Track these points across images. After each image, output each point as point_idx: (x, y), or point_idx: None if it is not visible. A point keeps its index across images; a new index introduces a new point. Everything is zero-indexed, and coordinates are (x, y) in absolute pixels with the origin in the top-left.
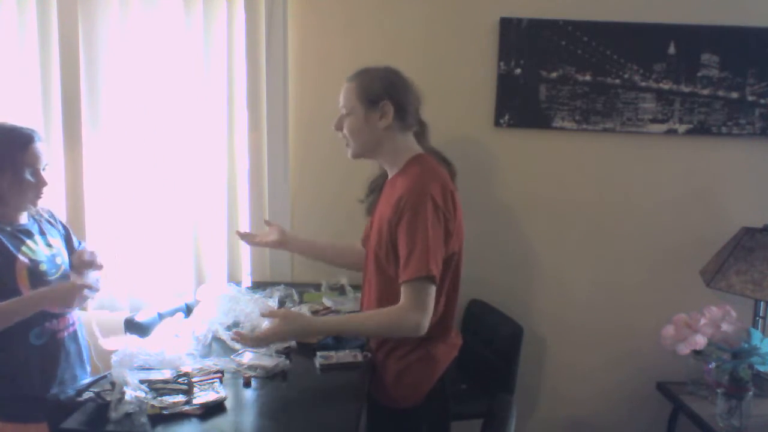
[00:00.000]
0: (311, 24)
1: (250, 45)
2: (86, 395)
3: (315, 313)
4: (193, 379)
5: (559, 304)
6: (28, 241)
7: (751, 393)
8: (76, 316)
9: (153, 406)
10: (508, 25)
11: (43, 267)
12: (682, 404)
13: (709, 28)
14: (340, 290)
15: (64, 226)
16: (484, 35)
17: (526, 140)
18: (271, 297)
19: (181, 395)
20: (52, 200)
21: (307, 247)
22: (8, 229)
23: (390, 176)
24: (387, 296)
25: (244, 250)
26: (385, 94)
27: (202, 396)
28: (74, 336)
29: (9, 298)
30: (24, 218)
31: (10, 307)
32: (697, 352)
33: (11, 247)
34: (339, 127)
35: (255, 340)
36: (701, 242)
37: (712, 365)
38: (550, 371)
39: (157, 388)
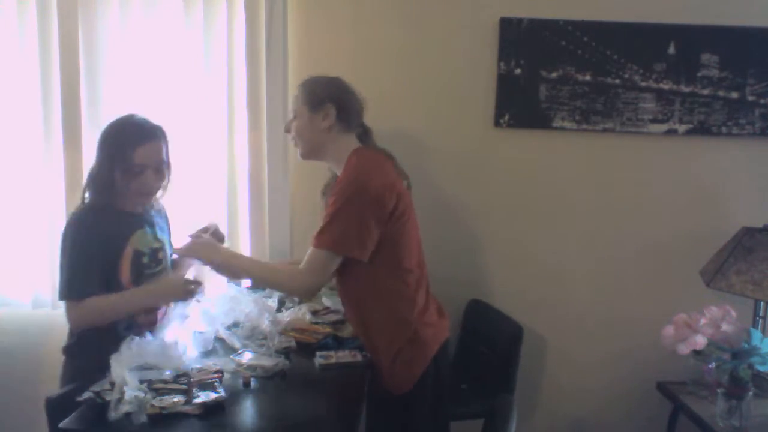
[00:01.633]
0: (311, 24)
1: (250, 45)
2: (86, 395)
3: (315, 313)
4: (193, 379)
5: (559, 303)
6: (138, 231)
7: (751, 393)
8: (163, 312)
9: (153, 406)
10: (508, 25)
11: (145, 260)
12: (682, 404)
13: (709, 28)
14: None
15: (169, 225)
16: (484, 35)
17: (526, 140)
18: (270, 297)
19: (180, 395)
20: (53, 200)
21: None
22: (122, 215)
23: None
24: (363, 285)
25: (244, 250)
26: (327, 98)
27: (202, 396)
28: (157, 333)
29: (107, 284)
30: (139, 207)
31: (120, 301)
32: (697, 352)
33: (122, 235)
34: (288, 129)
35: (184, 249)
36: (701, 242)
37: (712, 365)
38: (551, 371)
39: (157, 388)
